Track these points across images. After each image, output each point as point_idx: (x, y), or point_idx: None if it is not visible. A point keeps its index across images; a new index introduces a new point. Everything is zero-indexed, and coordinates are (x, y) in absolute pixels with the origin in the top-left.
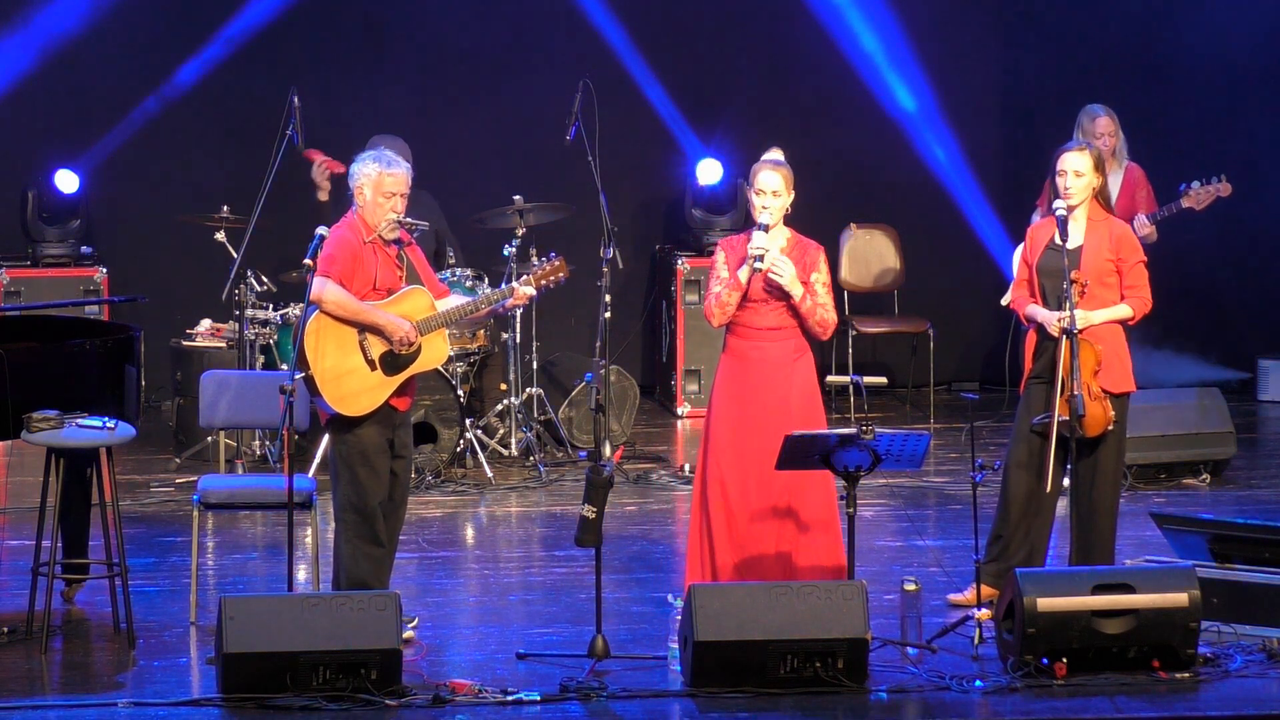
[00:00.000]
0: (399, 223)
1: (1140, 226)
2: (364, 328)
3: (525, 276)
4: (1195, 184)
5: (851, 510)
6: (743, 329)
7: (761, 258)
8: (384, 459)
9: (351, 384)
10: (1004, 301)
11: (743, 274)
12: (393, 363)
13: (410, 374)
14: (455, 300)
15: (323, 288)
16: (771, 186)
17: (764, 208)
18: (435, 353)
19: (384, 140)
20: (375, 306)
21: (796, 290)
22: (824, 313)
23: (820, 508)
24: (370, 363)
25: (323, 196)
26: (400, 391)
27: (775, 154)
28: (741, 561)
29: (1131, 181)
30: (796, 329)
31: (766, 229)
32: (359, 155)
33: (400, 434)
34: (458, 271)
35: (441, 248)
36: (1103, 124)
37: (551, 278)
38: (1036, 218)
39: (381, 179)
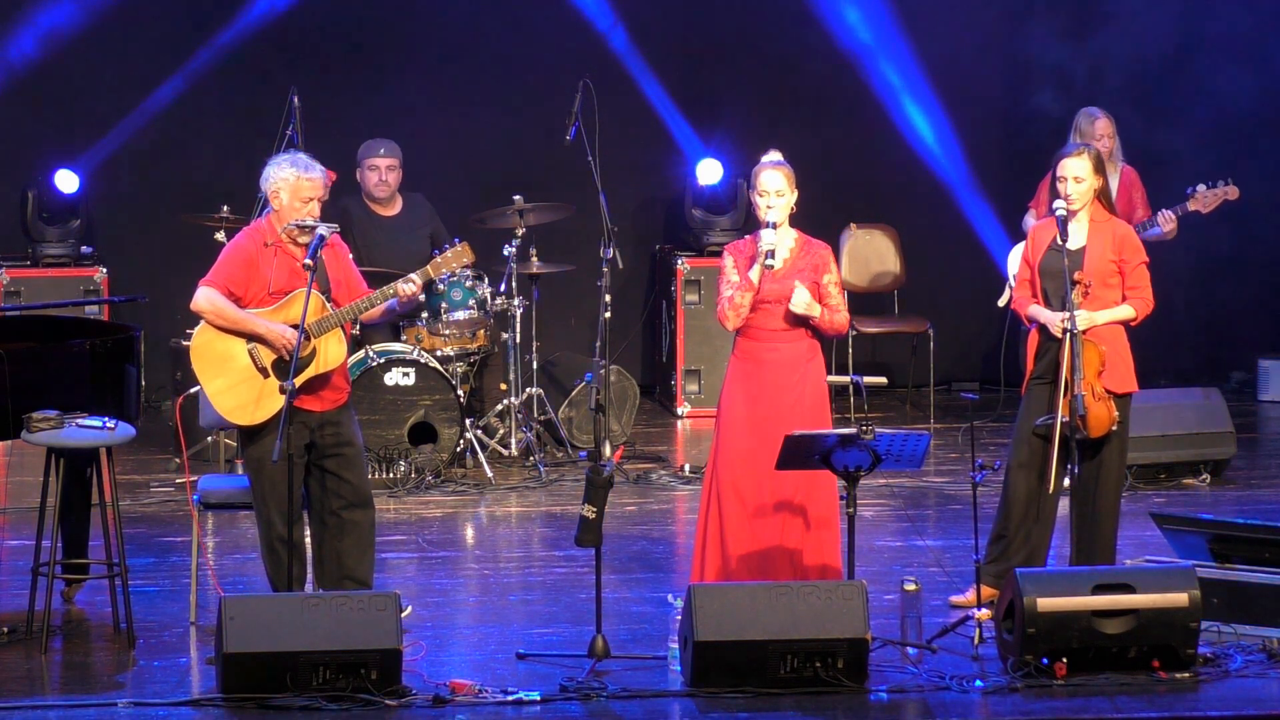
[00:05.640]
0: (302, 227)
1: (1165, 221)
2: (248, 336)
3: (421, 269)
4: (1202, 186)
5: (851, 510)
6: (755, 331)
7: (772, 253)
8: (281, 467)
9: (244, 394)
10: (1001, 302)
11: (754, 274)
12: (286, 369)
13: (307, 378)
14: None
15: (202, 297)
16: (775, 186)
17: (769, 207)
18: (331, 354)
19: (377, 142)
20: (255, 315)
21: (815, 311)
22: (838, 316)
23: (831, 507)
24: (262, 370)
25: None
26: (309, 393)
27: (774, 155)
28: (756, 563)
29: (1127, 184)
30: (807, 330)
31: (775, 226)
32: (273, 159)
33: (323, 434)
34: (458, 271)
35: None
36: (1101, 126)
37: (454, 264)
38: (1028, 218)
39: (299, 184)
